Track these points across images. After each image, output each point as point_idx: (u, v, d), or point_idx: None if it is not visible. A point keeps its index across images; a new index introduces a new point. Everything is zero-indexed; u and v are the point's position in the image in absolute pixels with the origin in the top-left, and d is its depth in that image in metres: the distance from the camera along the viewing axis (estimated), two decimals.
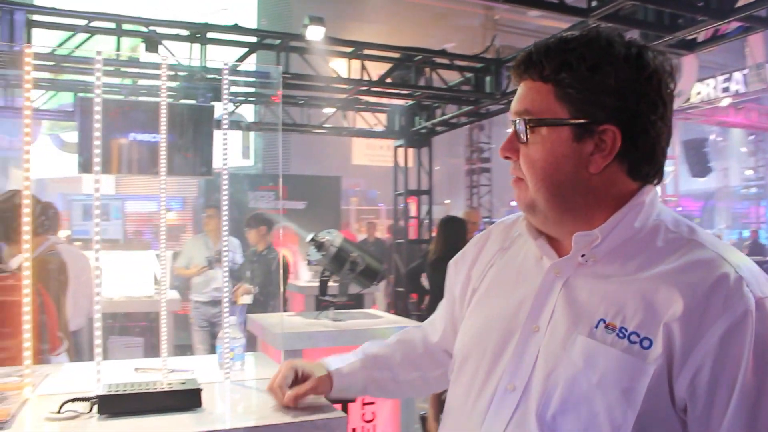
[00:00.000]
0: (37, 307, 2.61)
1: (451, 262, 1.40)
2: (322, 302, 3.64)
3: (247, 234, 6.26)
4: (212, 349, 5.12)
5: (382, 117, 9.70)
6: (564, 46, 1.06)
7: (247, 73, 6.89)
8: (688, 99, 11.03)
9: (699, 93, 11.51)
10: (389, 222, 12.71)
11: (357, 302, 6.00)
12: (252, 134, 11.65)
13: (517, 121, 1.09)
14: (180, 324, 6.24)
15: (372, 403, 3.40)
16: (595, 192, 1.08)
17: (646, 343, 0.99)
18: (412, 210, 9.95)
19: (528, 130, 1.08)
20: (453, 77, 7.77)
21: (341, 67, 7.46)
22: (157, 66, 5.86)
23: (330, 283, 3.68)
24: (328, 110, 9.46)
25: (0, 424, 1.33)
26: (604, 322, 1.03)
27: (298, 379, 1.43)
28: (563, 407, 1.01)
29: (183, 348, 6.23)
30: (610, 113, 1.04)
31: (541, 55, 1.07)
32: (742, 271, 0.99)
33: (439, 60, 7.53)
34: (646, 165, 1.08)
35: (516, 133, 1.10)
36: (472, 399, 1.14)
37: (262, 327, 3.49)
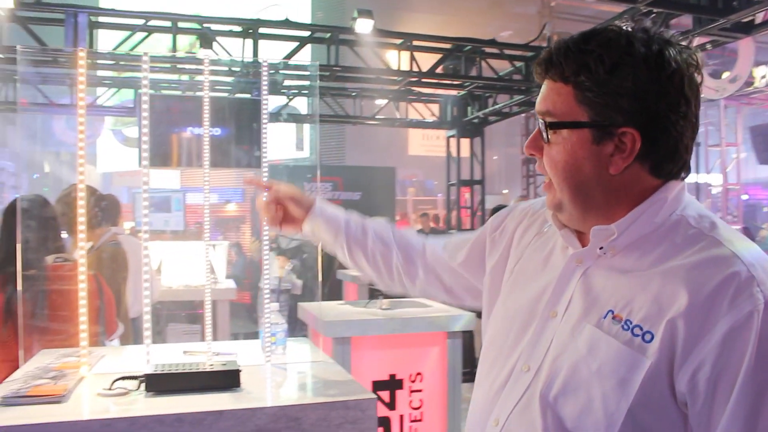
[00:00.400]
0: (94, 293, 2.77)
1: (489, 225, 1.43)
2: (375, 292, 3.70)
3: None
4: None
5: (435, 107, 9.72)
6: (583, 47, 1.06)
7: (287, 67, 6.98)
8: (752, 83, 10.62)
9: (764, 77, 11.05)
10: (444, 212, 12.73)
11: None
12: (306, 126, 11.83)
13: (540, 121, 1.11)
14: (236, 312, 6.43)
15: (419, 391, 3.46)
16: (617, 191, 1.08)
17: (647, 337, 1.00)
18: (466, 200, 9.95)
19: (549, 132, 1.10)
20: (504, 66, 7.72)
21: (395, 58, 7.52)
22: (212, 62, 6.02)
23: None
24: (381, 101, 9.52)
25: (57, 397, 1.45)
26: (612, 313, 1.05)
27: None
28: (564, 390, 1.05)
29: (240, 336, 6.42)
30: (628, 116, 1.03)
31: (560, 56, 1.07)
32: (756, 270, 0.98)
33: (489, 50, 7.49)
34: (668, 163, 1.08)
35: (539, 132, 1.12)
36: (493, 376, 1.19)
37: (312, 315, 3.59)
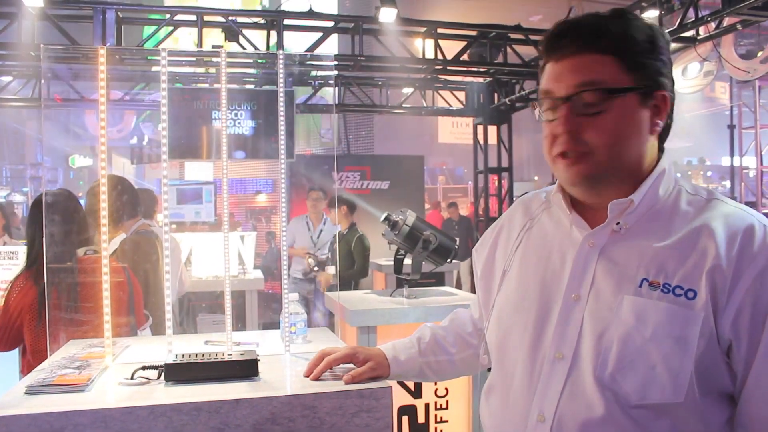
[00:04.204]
0: (123, 284, 2.83)
1: (473, 250, 1.48)
2: (403, 281, 3.71)
3: (328, 214, 6.49)
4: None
5: (462, 95, 9.66)
6: (617, 20, 1.14)
7: (306, 58, 6.99)
8: None
9: None
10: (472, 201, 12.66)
11: (438, 281, 6.05)
12: (334, 117, 11.86)
13: (582, 94, 1.11)
14: (265, 302, 6.49)
15: None
16: (643, 155, 1.16)
17: (690, 295, 1.05)
18: (494, 188, 9.90)
19: (601, 100, 1.11)
20: (531, 52, 7.64)
21: (420, 46, 7.49)
22: (230, 55, 6.07)
23: (406, 262, 3.75)
24: (407, 90, 9.51)
25: (80, 386, 1.49)
26: (647, 281, 1.09)
27: (359, 362, 1.54)
28: (620, 365, 1.06)
29: (273, 326, 6.48)
30: (662, 79, 1.14)
31: (594, 29, 1.13)
32: (765, 221, 1.09)
33: (514, 35, 7.43)
34: (668, 126, 1.18)
35: (577, 107, 1.12)
36: (519, 372, 1.19)
37: (338, 305, 3.61)
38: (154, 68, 7.92)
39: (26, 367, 2.73)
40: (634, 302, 1.07)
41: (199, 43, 6.41)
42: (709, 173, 25.19)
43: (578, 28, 1.14)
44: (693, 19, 5.99)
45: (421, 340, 1.58)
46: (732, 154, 13.44)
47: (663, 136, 1.19)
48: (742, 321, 1.02)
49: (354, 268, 6.16)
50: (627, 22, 1.13)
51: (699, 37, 6.56)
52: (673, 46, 6.82)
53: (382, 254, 6.52)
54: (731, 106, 14.24)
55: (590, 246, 1.16)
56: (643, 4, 6.27)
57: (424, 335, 1.59)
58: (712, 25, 6.13)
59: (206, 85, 7.98)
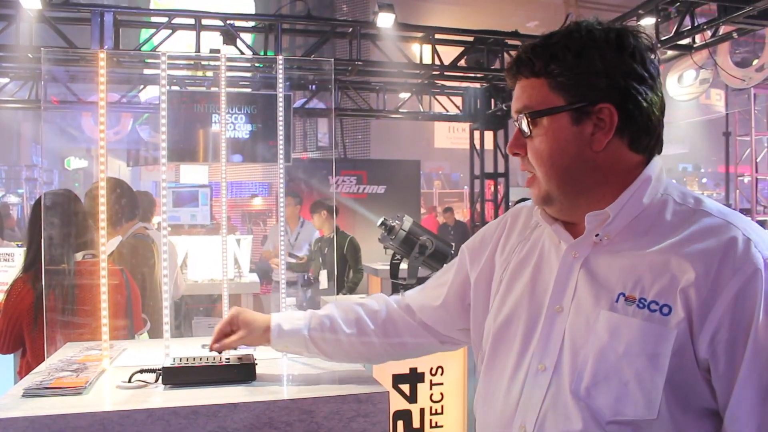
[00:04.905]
0: (120, 287, 2.83)
1: (465, 247, 1.45)
2: (399, 286, 3.71)
3: (310, 219, 6.53)
4: None
5: (459, 100, 9.69)
6: (549, 41, 1.14)
7: (302, 62, 6.98)
8: None
9: None
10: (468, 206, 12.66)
11: None
12: (331, 121, 11.86)
13: (519, 118, 1.17)
14: (259, 305, 6.51)
15: (440, 384, 3.48)
16: (602, 170, 1.13)
17: (665, 310, 1.04)
18: (490, 193, 9.92)
19: (530, 124, 1.15)
20: None
21: (417, 51, 7.51)
22: (229, 59, 6.05)
23: (402, 266, 3.76)
24: (404, 95, 9.53)
25: (78, 389, 1.49)
26: (624, 295, 1.08)
27: (236, 327, 1.58)
28: (594, 380, 1.07)
29: None
30: (602, 93, 1.10)
31: (529, 53, 1.15)
32: (750, 233, 1.04)
33: (511, 41, 7.46)
34: (645, 136, 1.14)
35: (520, 130, 1.17)
36: (506, 383, 1.20)
37: None
38: (146, 71, 7.92)
39: (25, 369, 2.73)
40: (610, 318, 1.07)
41: (197, 47, 6.41)
42: (704, 180, 25.28)
43: (519, 55, 1.18)
44: (689, 27, 6.03)
45: (315, 314, 1.56)
46: (727, 162, 13.51)
47: (645, 145, 1.14)
48: (720, 341, 1.00)
49: (352, 275, 6.20)
50: (564, 39, 1.12)
51: (695, 45, 6.61)
52: (669, 53, 6.87)
53: (378, 259, 6.53)
54: (726, 114, 14.31)
55: (574, 257, 1.16)
56: (640, 11, 6.30)
57: (324, 309, 1.57)
58: (708, 33, 6.18)
59: (203, 88, 7.99)
